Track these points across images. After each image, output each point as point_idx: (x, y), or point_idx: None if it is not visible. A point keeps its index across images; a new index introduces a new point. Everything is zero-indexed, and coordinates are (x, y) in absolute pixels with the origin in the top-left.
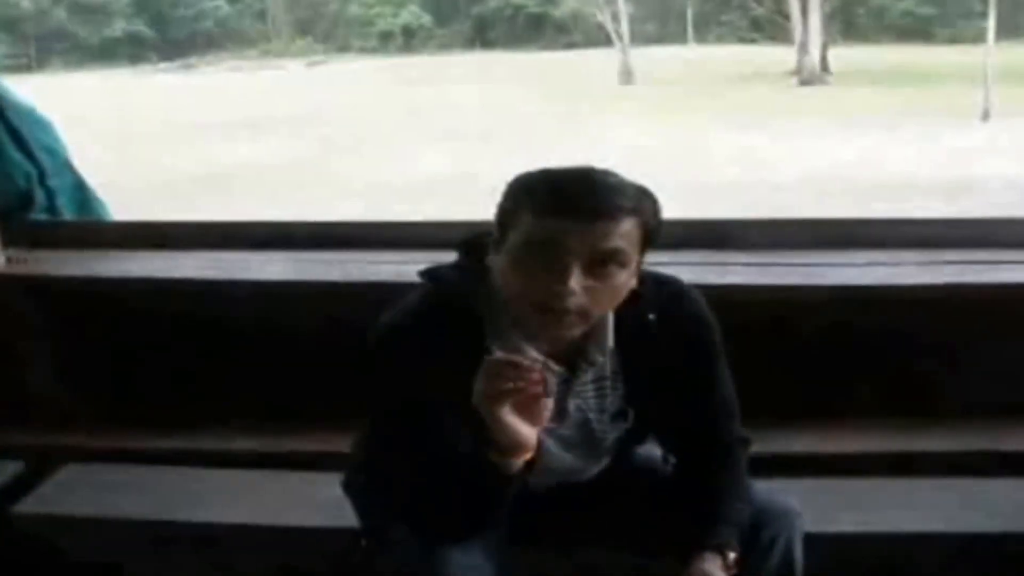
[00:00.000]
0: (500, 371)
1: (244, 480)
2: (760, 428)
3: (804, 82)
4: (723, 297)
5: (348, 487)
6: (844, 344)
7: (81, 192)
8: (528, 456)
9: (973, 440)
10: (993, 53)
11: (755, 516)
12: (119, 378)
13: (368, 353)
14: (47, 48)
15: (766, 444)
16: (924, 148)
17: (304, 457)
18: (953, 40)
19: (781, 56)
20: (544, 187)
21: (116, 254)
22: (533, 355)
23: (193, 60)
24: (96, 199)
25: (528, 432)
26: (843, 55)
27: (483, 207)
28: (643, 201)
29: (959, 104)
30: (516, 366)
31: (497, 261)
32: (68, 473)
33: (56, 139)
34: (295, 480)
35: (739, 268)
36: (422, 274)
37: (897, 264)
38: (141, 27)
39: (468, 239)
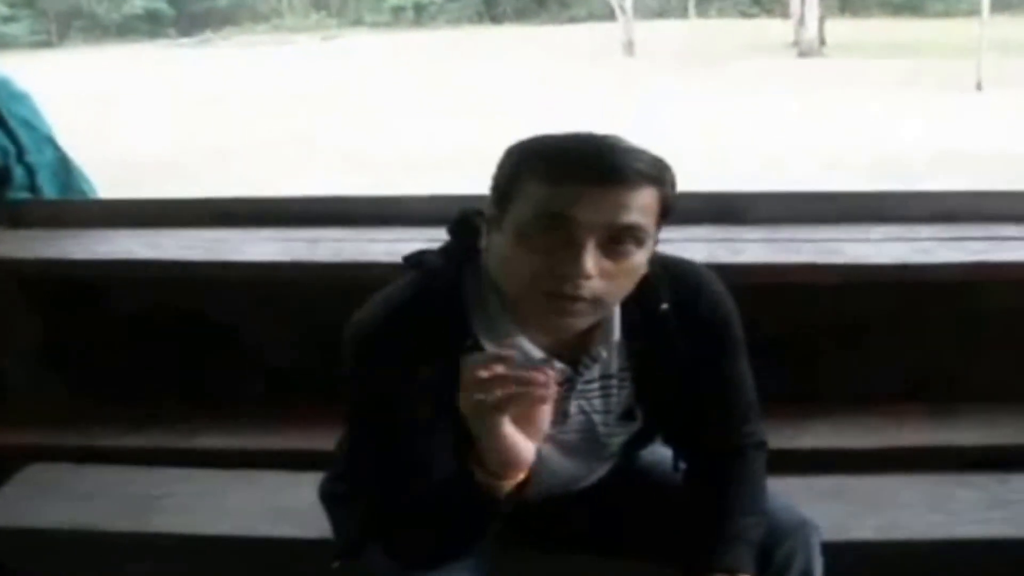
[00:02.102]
0: (493, 370)
1: (219, 482)
2: (770, 421)
3: (802, 54)
4: (736, 276)
5: (324, 497)
6: (860, 327)
7: (64, 169)
8: (521, 477)
9: (1000, 432)
10: (987, 25)
11: (768, 531)
12: (93, 368)
13: (343, 353)
14: (67, 24)
15: (776, 439)
16: (919, 118)
17: (289, 456)
18: (946, 14)
19: (780, 29)
20: (551, 151)
21: (93, 234)
22: (529, 349)
23: (210, 35)
24: (82, 176)
25: (525, 448)
26: (840, 28)
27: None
28: (661, 169)
29: (952, 75)
30: (509, 363)
31: (494, 242)
32: (26, 476)
33: (35, 112)
34: (272, 481)
35: (752, 245)
36: (405, 259)
37: (916, 240)
38: (159, 3)
39: (459, 218)
